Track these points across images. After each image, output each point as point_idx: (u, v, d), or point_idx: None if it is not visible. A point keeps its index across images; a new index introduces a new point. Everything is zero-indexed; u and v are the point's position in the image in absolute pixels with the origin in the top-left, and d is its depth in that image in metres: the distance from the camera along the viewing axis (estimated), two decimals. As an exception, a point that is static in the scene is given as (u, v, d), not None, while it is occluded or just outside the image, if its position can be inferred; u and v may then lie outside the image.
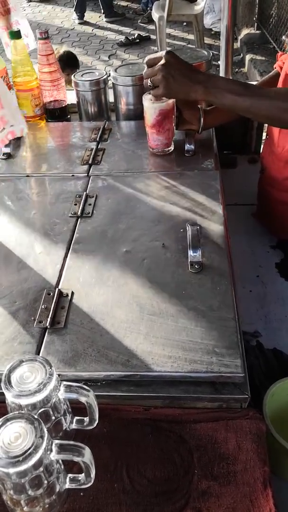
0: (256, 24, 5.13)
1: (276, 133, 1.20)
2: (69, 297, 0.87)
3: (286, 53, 1.28)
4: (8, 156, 1.33)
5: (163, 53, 1.07)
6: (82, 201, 1.11)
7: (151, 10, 4.73)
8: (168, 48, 4.24)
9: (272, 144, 1.22)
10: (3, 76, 1.49)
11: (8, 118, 1.22)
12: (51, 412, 0.63)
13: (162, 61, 1.06)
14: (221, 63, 1.71)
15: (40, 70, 1.46)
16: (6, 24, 1.59)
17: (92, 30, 6.15)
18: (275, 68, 1.29)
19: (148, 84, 1.11)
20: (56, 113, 1.54)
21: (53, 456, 0.57)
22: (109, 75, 1.47)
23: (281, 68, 1.24)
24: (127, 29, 6.07)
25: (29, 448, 0.53)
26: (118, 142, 1.37)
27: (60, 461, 0.60)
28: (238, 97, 1.01)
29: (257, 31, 5.09)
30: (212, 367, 0.73)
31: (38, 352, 0.78)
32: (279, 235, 1.32)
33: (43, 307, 0.85)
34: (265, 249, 1.29)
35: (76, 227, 1.05)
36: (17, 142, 1.39)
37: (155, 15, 4.17)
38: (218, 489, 0.66)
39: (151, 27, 5.67)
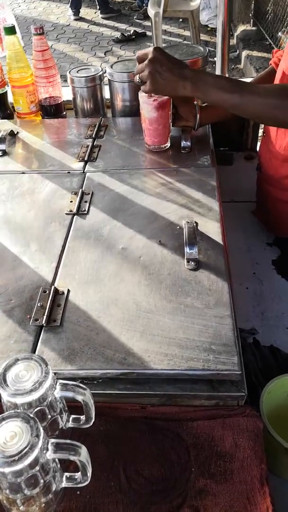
0: (252, 20, 5.12)
1: (273, 132, 1.20)
2: (65, 295, 0.87)
3: (281, 49, 1.27)
4: (3, 153, 1.32)
5: (150, 49, 1.06)
6: (78, 198, 1.10)
7: (147, 6, 4.70)
8: (164, 44, 4.23)
9: (269, 143, 1.22)
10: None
11: None
12: (47, 411, 0.62)
13: (149, 57, 1.05)
14: (217, 59, 1.71)
15: (35, 66, 1.44)
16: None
17: (88, 27, 6.12)
18: (271, 64, 1.28)
19: (137, 80, 1.10)
20: (51, 110, 1.53)
21: (49, 455, 0.57)
22: (105, 72, 1.46)
23: (276, 64, 1.24)
24: (123, 26, 6.04)
25: (25, 447, 0.53)
26: (114, 139, 1.36)
27: (57, 460, 0.60)
28: (226, 93, 1.00)
29: (253, 28, 5.08)
30: (208, 364, 0.73)
31: (34, 351, 0.78)
32: (277, 233, 1.31)
33: (39, 305, 0.85)
34: (262, 246, 1.29)
35: (72, 224, 1.04)
36: (12, 139, 1.38)
37: (151, 11, 4.14)
38: (215, 487, 0.66)
39: (147, 23, 5.65)
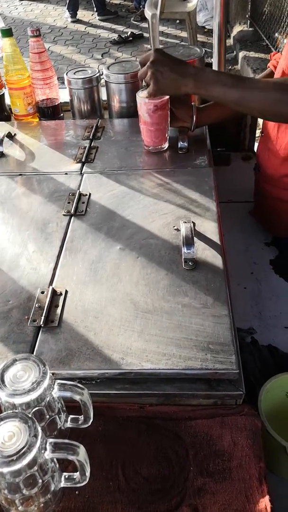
0: (248, 21, 5.13)
1: (273, 131, 1.20)
2: (63, 296, 0.87)
3: (279, 51, 1.28)
4: (1, 155, 1.32)
5: (151, 52, 1.07)
6: (76, 199, 1.11)
7: (144, 8, 4.71)
8: (161, 46, 4.23)
9: (269, 142, 1.22)
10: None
11: None
12: (45, 411, 0.62)
13: (151, 59, 1.06)
14: (214, 60, 1.71)
15: (32, 68, 1.45)
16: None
17: (85, 29, 6.12)
18: (269, 67, 1.29)
19: (143, 84, 1.12)
20: (48, 112, 1.53)
21: (48, 455, 0.57)
22: (102, 73, 1.46)
23: (275, 67, 1.24)
24: (120, 27, 6.05)
25: (23, 447, 0.53)
26: (111, 140, 1.36)
27: (55, 459, 0.60)
28: (228, 88, 1.01)
29: (250, 29, 5.09)
30: (206, 364, 0.73)
31: (32, 351, 0.78)
32: (275, 233, 1.32)
33: (36, 306, 0.85)
34: (260, 246, 1.30)
35: (70, 225, 1.05)
36: (9, 141, 1.38)
37: (148, 13, 4.15)
38: (214, 485, 0.66)
39: (144, 25, 5.65)
